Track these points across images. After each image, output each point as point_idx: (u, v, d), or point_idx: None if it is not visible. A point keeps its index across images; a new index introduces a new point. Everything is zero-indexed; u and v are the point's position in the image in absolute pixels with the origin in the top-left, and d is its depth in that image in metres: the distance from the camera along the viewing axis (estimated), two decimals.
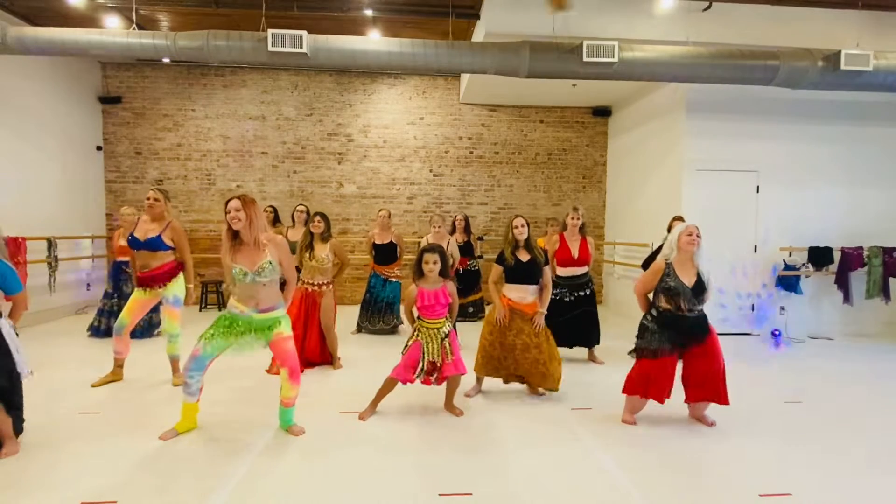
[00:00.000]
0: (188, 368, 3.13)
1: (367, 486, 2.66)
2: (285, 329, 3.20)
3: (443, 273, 3.58)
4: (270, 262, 3.07)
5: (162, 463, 2.88)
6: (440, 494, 2.58)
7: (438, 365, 3.54)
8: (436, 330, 3.56)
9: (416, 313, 3.66)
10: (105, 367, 4.32)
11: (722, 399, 3.40)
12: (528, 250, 3.98)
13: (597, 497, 2.60)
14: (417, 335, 3.59)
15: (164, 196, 4.13)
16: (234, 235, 3.08)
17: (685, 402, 3.54)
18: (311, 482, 2.70)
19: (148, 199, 4.10)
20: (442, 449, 3.12)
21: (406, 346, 3.60)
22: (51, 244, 6.67)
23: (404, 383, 3.57)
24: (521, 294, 3.98)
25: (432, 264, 3.52)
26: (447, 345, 3.57)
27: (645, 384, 3.41)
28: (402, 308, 3.71)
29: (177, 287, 4.16)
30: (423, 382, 3.62)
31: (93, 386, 4.13)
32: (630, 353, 3.57)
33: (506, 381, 4.14)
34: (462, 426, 3.48)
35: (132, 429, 3.31)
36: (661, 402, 3.42)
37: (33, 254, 6.33)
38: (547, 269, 4.04)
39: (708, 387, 3.40)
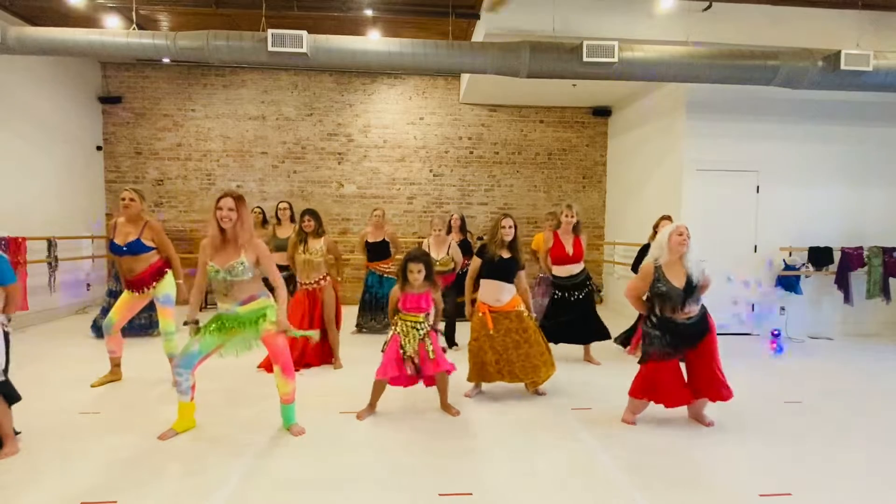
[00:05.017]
0: (177, 365, 3.16)
1: (366, 486, 2.66)
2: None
3: (428, 278, 3.57)
4: (242, 263, 3.06)
5: (162, 462, 2.88)
6: (440, 494, 2.58)
7: (416, 362, 3.54)
8: (413, 324, 3.56)
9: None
10: (105, 366, 4.31)
11: (722, 396, 3.37)
12: (510, 249, 3.97)
13: (597, 497, 2.60)
14: (395, 329, 3.60)
15: (139, 196, 4.10)
16: (220, 232, 3.07)
17: None
18: (310, 482, 2.70)
19: (123, 199, 4.06)
20: (442, 449, 3.12)
21: (385, 343, 3.62)
22: (51, 244, 6.66)
23: (392, 383, 3.58)
24: (496, 294, 3.95)
25: (417, 273, 3.52)
26: (427, 343, 3.56)
27: (653, 387, 3.39)
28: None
29: (167, 286, 4.14)
30: (406, 384, 3.63)
31: (92, 386, 4.14)
32: (639, 361, 3.53)
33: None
34: (461, 426, 3.48)
35: (132, 428, 3.31)
36: (669, 406, 3.40)
37: (33, 254, 6.33)
38: (522, 274, 4.03)
39: (705, 385, 3.39)
